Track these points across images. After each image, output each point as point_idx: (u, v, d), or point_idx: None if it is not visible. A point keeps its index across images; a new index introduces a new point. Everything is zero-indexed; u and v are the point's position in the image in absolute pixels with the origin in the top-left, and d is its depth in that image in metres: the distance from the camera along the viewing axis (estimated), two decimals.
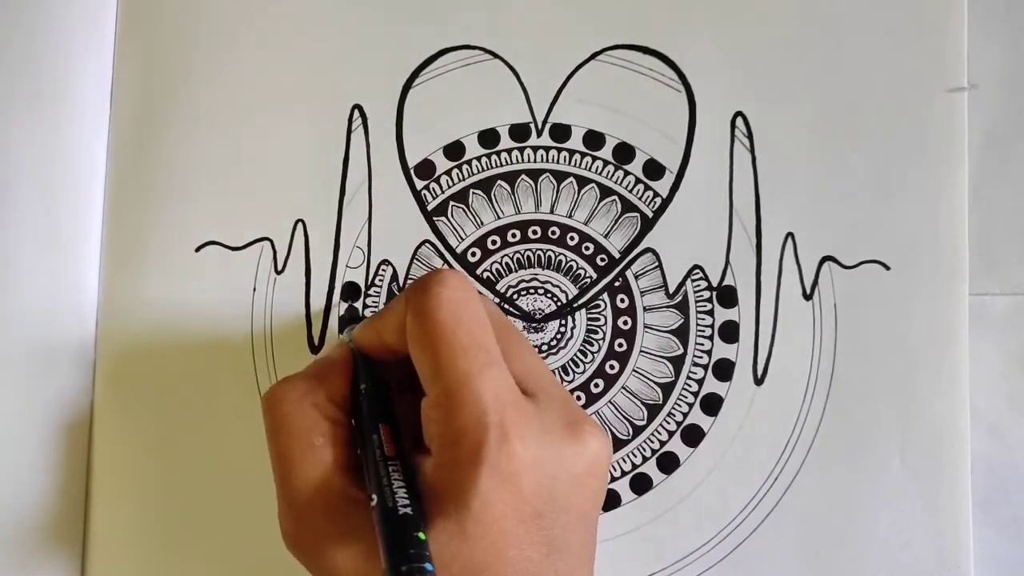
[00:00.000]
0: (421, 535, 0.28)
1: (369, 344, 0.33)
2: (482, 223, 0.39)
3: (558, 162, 0.39)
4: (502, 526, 0.29)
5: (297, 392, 0.32)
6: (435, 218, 0.39)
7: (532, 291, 0.39)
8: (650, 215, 0.39)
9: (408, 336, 0.31)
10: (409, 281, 0.38)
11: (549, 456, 0.30)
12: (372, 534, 0.29)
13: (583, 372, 0.39)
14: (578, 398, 0.38)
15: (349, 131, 0.39)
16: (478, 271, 0.39)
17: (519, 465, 0.29)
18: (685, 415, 0.38)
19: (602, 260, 0.39)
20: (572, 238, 0.39)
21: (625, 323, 0.39)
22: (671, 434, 0.38)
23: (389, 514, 0.28)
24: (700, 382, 0.38)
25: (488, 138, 0.39)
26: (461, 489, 0.29)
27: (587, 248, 0.39)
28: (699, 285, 0.38)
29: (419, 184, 0.39)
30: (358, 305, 0.39)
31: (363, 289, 0.39)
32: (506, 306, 0.39)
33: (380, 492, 0.29)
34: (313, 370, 0.33)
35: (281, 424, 0.31)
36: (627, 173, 0.39)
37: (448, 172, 0.39)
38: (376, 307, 0.39)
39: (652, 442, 0.38)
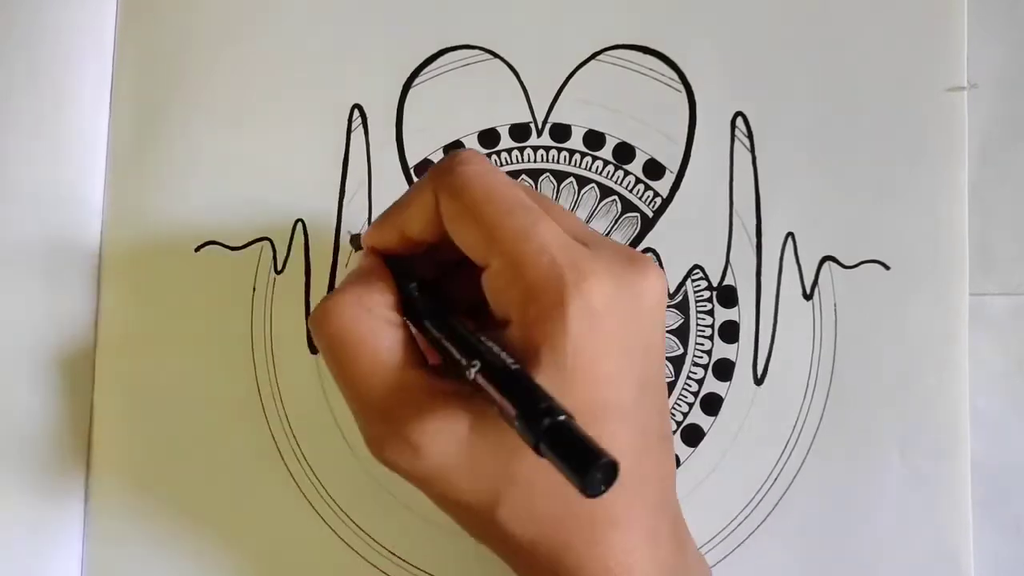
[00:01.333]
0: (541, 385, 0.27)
1: (390, 244, 0.32)
2: None
3: (558, 162, 0.39)
4: (597, 368, 0.29)
5: (347, 302, 0.30)
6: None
7: None
8: (650, 215, 0.39)
9: (446, 219, 0.30)
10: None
11: (623, 292, 0.29)
12: (466, 416, 0.29)
13: None
14: None
15: (349, 131, 0.39)
16: None
17: (602, 302, 0.29)
18: (685, 415, 0.38)
19: None
20: None
21: None
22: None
23: (501, 372, 0.27)
24: (700, 382, 0.38)
25: (488, 138, 0.39)
26: (553, 337, 0.28)
27: None
28: (699, 285, 0.38)
29: None
30: None
31: None
32: None
33: (482, 357, 0.28)
34: (353, 281, 0.32)
35: (340, 337, 0.30)
36: (627, 173, 0.39)
37: None
38: None
39: None
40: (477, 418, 0.29)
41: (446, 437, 0.29)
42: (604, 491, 0.24)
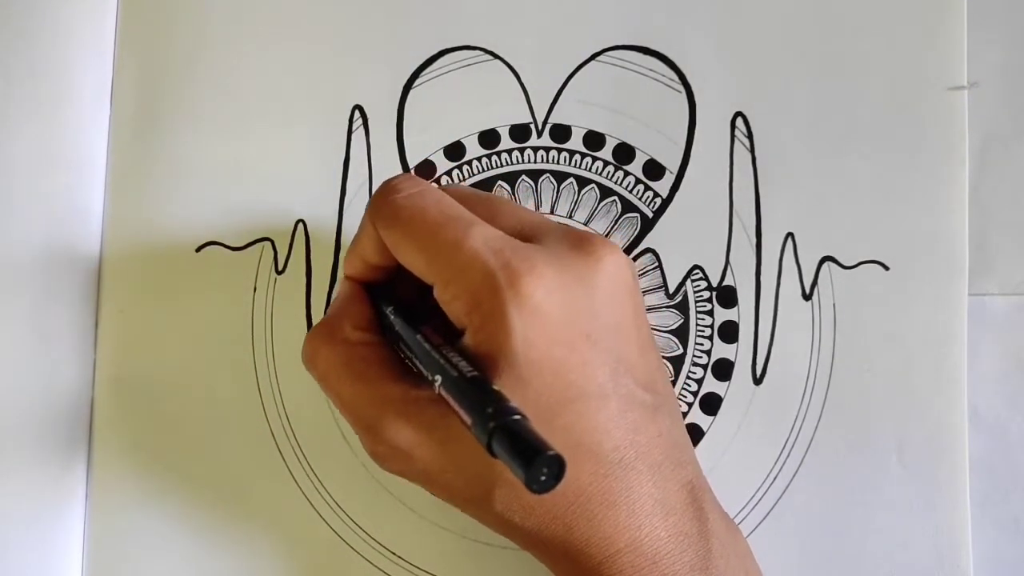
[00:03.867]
0: (497, 388, 0.28)
1: (360, 272, 0.34)
2: None
3: (558, 163, 0.39)
4: (553, 358, 0.29)
5: (323, 336, 0.32)
6: None
7: None
8: (650, 215, 0.39)
9: (390, 247, 0.31)
10: None
11: (568, 279, 0.30)
12: (446, 421, 0.29)
13: None
14: None
15: (350, 132, 0.39)
16: None
17: (540, 294, 0.29)
18: (685, 415, 0.38)
19: None
20: None
21: None
22: None
23: (459, 382, 0.28)
24: (699, 382, 0.38)
25: (488, 139, 0.39)
26: (500, 339, 0.29)
27: None
28: (699, 285, 0.38)
29: None
30: None
31: None
32: None
33: (442, 370, 0.29)
34: (330, 312, 0.34)
35: (325, 370, 0.32)
36: (627, 173, 0.39)
37: (448, 173, 0.39)
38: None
39: None
40: (453, 418, 0.29)
41: (430, 442, 0.30)
42: (555, 485, 0.24)
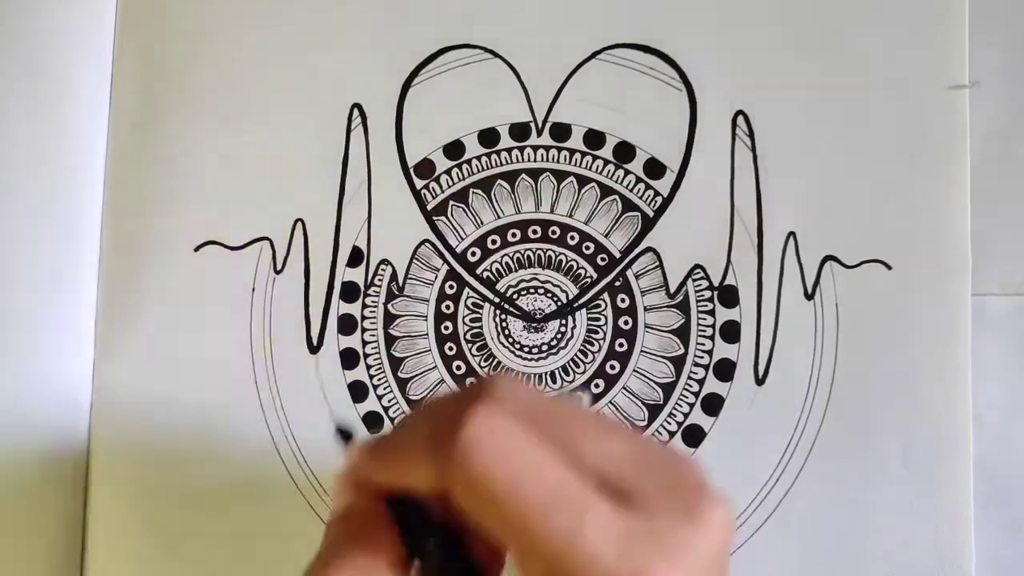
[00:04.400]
0: None
1: (389, 485, 0.27)
2: (482, 223, 0.39)
3: (558, 161, 0.39)
4: None
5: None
6: (435, 217, 0.39)
7: (532, 291, 0.39)
8: (651, 214, 0.39)
9: (461, 504, 0.24)
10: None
11: (690, 563, 0.24)
12: None
13: (583, 372, 0.38)
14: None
15: (349, 130, 0.39)
16: (478, 271, 0.39)
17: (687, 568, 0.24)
18: (686, 415, 0.38)
19: (602, 260, 0.39)
20: (572, 238, 0.39)
21: (626, 323, 0.38)
22: (672, 434, 0.38)
23: None
24: (701, 382, 0.38)
25: (488, 137, 0.39)
26: None
27: (587, 248, 0.39)
28: (700, 285, 0.38)
29: (419, 183, 0.39)
30: (357, 306, 0.39)
31: (362, 289, 0.39)
32: (506, 305, 0.39)
33: None
34: (349, 541, 0.27)
35: None
36: (627, 172, 0.39)
37: (448, 171, 0.39)
38: (375, 306, 0.39)
39: None
40: None
41: None
42: None
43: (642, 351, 0.38)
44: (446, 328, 0.39)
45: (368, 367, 0.38)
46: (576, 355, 0.38)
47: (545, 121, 0.39)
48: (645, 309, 0.38)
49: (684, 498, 0.25)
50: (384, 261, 0.39)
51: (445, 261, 0.39)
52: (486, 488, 0.23)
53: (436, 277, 0.39)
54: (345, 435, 0.29)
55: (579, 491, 0.24)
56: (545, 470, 0.24)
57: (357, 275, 0.39)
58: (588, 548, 0.23)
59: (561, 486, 0.24)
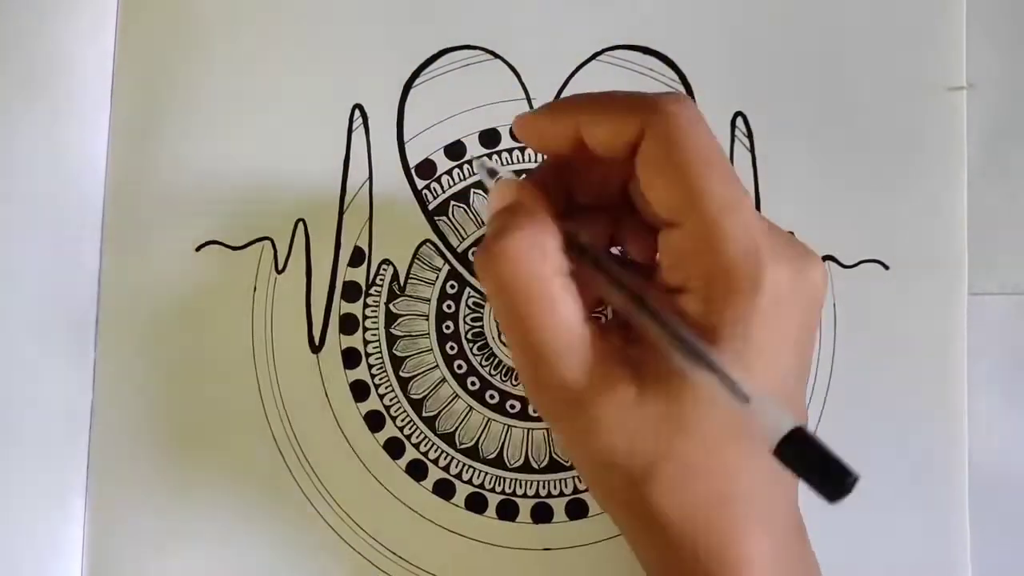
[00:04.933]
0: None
1: (554, 141, 0.30)
2: (483, 223, 0.39)
3: None
4: (776, 359, 0.28)
5: (525, 245, 0.28)
6: (436, 217, 0.39)
7: None
8: None
9: (643, 160, 0.28)
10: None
11: (801, 284, 0.29)
12: (634, 381, 0.28)
13: None
14: None
15: (350, 131, 0.39)
16: None
17: (788, 290, 0.28)
18: None
19: None
20: None
21: None
22: None
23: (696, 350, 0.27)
24: None
25: (489, 138, 0.39)
26: (740, 320, 0.27)
27: None
28: None
29: (420, 183, 0.39)
30: (359, 306, 0.39)
31: (364, 289, 0.39)
32: None
33: (675, 335, 0.27)
34: (522, 217, 0.29)
35: (519, 287, 0.28)
36: None
37: (449, 172, 0.39)
38: (377, 306, 0.39)
39: None
40: (644, 384, 0.29)
41: (614, 398, 0.28)
42: (845, 496, 0.24)
43: None
44: (447, 328, 0.39)
45: (370, 366, 0.39)
46: None
47: None
48: None
49: (802, 252, 0.29)
50: (385, 261, 0.39)
51: (446, 261, 0.39)
52: (680, 142, 0.27)
53: (437, 277, 0.39)
54: (491, 172, 0.33)
55: (742, 184, 0.28)
56: (723, 156, 0.28)
57: (359, 275, 0.39)
58: (743, 215, 0.27)
59: (732, 170, 0.28)
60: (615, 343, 0.29)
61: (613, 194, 0.31)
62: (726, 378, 0.26)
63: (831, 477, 0.23)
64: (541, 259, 0.28)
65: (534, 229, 0.28)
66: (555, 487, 0.38)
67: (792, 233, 0.34)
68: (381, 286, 0.39)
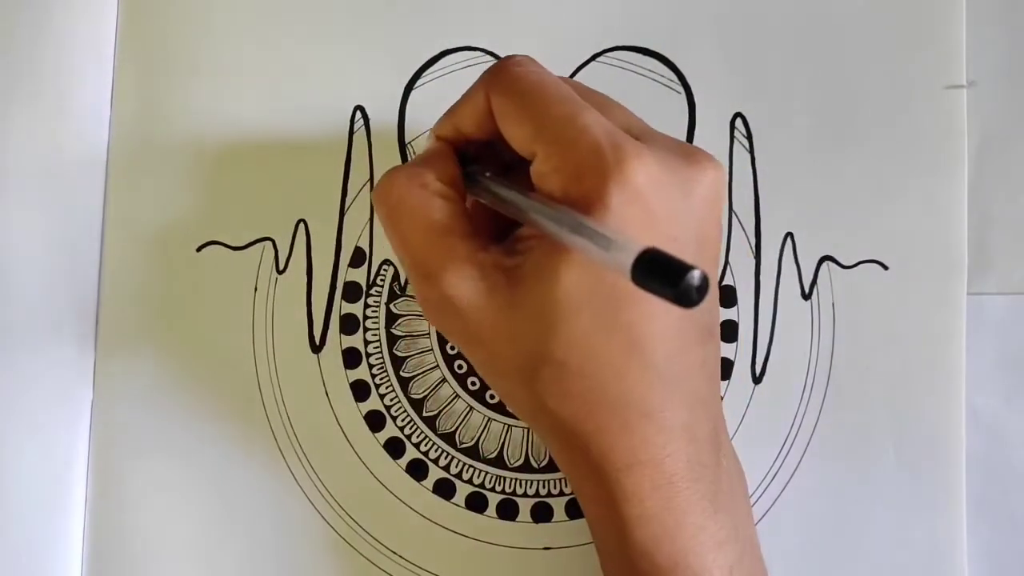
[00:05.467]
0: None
1: (452, 138, 0.34)
2: None
3: None
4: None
5: (403, 177, 0.32)
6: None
7: None
8: None
9: (497, 116, 0.31)
10: None
11: (671, 179, 0.30)
12: (507, 285, 0.30)
13: None
14: None
15: (351, 132, 0.39)
16: None
17: (643, 181, 0.29)
18: None
19: None
20: None
21: None
22: None
23: (580, 222, 0.27)
24: None
25: None
26: (592, 214, 0.28)
27: None
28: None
29: None
30: (359, 306, 0.39)
31: (364, 289, 0.39)
32: None
33: (558, 215, 0.28)
34: (414, 161, 0.33)
35: (395, 208, 0.32)
36: None
37: None
38: (377, 306, 0.39)
39: None
40: (518, 288, 0.30)
41: (489, 305, 0.30)
42: (700, 301, 0.24)
43: None
44: None
45: (370, 366, 0.39)
46: None
47: None
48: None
49: (685, 149, 0.31)
50: (386, 261, 0.39)
51: None
52: (518, 85, 0.31)
53: None
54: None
55: (584, 104, 0.30)
56: (563, 87, 0.31)
57: (359, 275, 0.39)
58: (581, 123, 0.29)
59: (574, 96, 0.31)
60: (493, 255, 0.31)
61: (516, 161, 0.33)
62: (587, 229, 0.27)
63: (678, 282, 0.23)
64: (419, 184, 0.31)
65: (419, 166, 0.32)
66: (555, 486, 0.38)
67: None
68: (382, 286, 0.39)
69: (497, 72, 0.31)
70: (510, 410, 0.37)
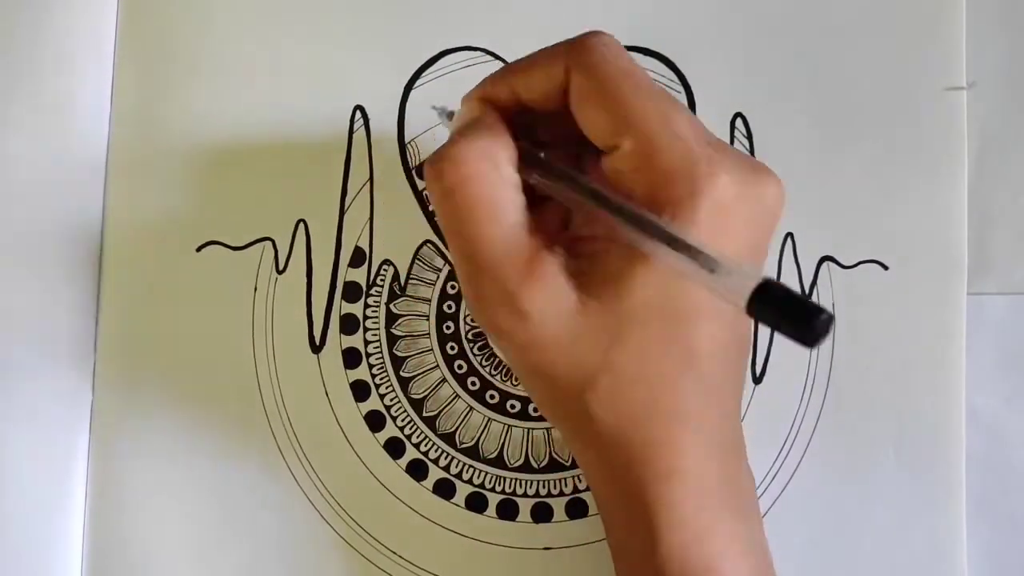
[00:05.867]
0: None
1: (505, 103, 0.31)
2: None
3: None
4: None
5: (474, 154, 0.29)
6: (437, 218, 0.39)
7: None
8: None
9: (575, 95, 0.29)
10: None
11: (749, 193, 0.29)
12: (576, 291, 0.29)
13: None
14: None
15: (351, 131, 0.39)
16: None
17: (730, 198, 0.28)
18: None
19: None
20: None
21: None
22: None
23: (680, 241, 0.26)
24: None
25: None
26: (680, 227, 0.28)
27: None
28: None
29: (421, 184, 0.39)
30: (359, 306, 0.39)
31: (364, 289, 0.39)
32: None
33: (639, 220, 0.27)
34: (474, 130, 0.30)
35: (463, 190, 0.29)
36: None
37: None
38: (377, 306, 0.39)
39: None
40: (586, 294, 0.29)
41: (554, 307, 0.29)
42: (823, 340, 0.23)
43: None
44: (448, 328, 0.39)
45: (370, 366, 0.39)
46: None
47: None
48: None
49: (752, 161, 0.30)
50: (386, 261, 0.39)
51: (447, 261, 0.39)
52: (607, 67, 0.29)
53: (438, 277, 0.39)
54: (449, 113, 0.34)
55: (673, 99, 0.29)
56: (648, 77, 0.29)
57: (359, 275, 0.39)
58: (674, 127, 0.28)
59: (659, 88, 0.29)
60: (559, 256, 0.30)
61: (571, 139, 0.31)
62: (688, 248, 0.26)
63: (805, 321, 0.23)
64: (492, 168, 0.29)
65: (487, 140, 0.29)
66: (555, 487, 0.38)
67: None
68: (382, 286, 0.39)
69: (584, 48, 0.29)
70: (543, 416, 0.36)
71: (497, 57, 0.39)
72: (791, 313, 0.23)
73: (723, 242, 0.28)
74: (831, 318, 0.23)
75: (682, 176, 0.28)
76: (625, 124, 0.29)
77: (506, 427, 0.38)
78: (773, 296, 0.23)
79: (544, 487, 0.38)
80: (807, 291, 0.38)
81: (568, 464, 0.38)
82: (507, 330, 0.30)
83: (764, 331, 0.38)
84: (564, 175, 0.30)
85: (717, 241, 0.28)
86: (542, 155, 0.30)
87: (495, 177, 0.29)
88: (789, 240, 0.38)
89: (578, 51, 0.29)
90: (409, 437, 0.38)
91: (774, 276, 0.38)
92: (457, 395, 0.39)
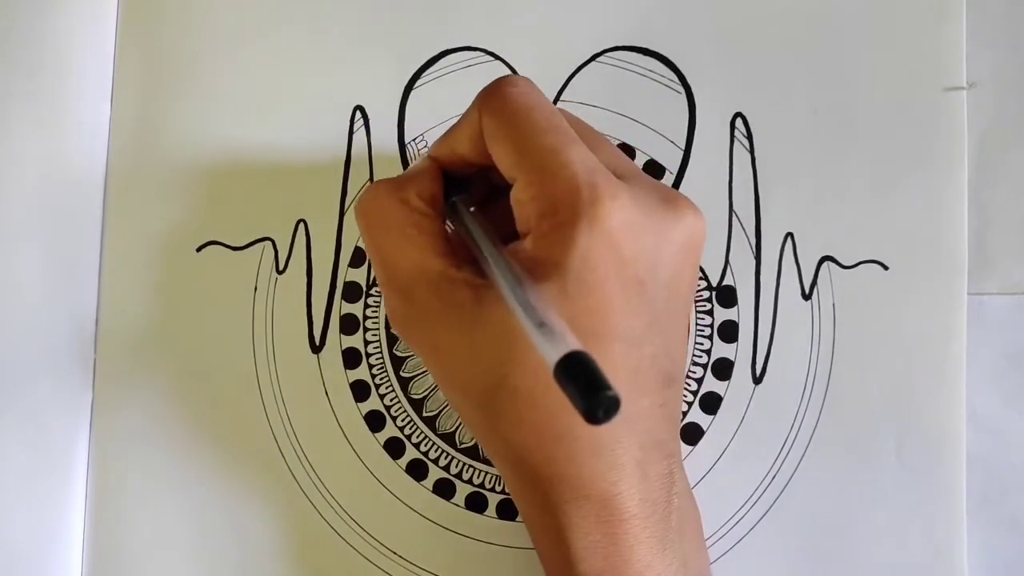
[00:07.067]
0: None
1: (446, 158, 0.34)
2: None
3: None
4: (604, 290, 0.29)
5: (387, 191, 0.32)
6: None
7: None
8: None
9: (486, 136, 0.31)
10: None
11: (646, 222, 0.30)
12: (475, 305, 0.30)
13: None
14: None
15: (351, 132, 0.39)
16: None
17: (616, 222, 0.29)
18: (685, 414, 0.38)
19: None
20: None
21: None
22: None
23: (523, 290, 0.27)
24: (699, 381, 0.38)
25: None
26: (560, 249, 0.29)
27: None
28: (699, 285, 0.38)
29: None
30: (359, 306, 0.39)
31: (364, 289, 0.39)
32: None
33: (509, 274, 0.28)
34: (400, 176, 0.34)
35: (374, 220, 0.32)
36: None
37: None
38: (377, 306, 0.39)
39: None
40: (484, 309, 0.30)
41: (453, 318, 0.31)
42: (604, 420, 0.23)
43: None
44: None
45: (370, 367, 0.39)
46: None
47: None
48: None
49: (666, 194, 0.31)
50: None
51: None
52: (509, 107, 0.31)
53: None
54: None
55: (573, 136, 0.30)
56: (553, 116, 0.31)
57: (359, 275, 0.39)
58: (563, 157, 0.29)
59: (563, 127, 0.30)
60: (466, 276, 0.31)
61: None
62: (524, 302, 0.27)
63: (593, 398, 0.23)
64: (399, 203, 0.32)
65: (401, 181, 0.33)
66: None
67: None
68: None
69: (491, 92, 0.31)
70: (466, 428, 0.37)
71: (497, 57, 0.39)
72: (584, 385, 0.23)
73: (611, 269, 0.29)
74: (616, 401, 0.23)
75: (564, 204, 0.29)
76: (521, 156, 0.30)
77: None
78: (576, 365, 0.24)
79: None
80: (807, 291, 0.38)
81: None
82: (413, 337, 0.32)
83: (764, 331, 0.38)
84: (465, 219, 0.33)
85: (602, 268, 0.29)
86: (457, 201, 0.33)
87: (401, 209, 0.32)
88: (789, 240, 0.38)
89: (487, 95, 0.31)
90: (409, 437, 0.38)
91: (774, 276, 0.38)
92: None
